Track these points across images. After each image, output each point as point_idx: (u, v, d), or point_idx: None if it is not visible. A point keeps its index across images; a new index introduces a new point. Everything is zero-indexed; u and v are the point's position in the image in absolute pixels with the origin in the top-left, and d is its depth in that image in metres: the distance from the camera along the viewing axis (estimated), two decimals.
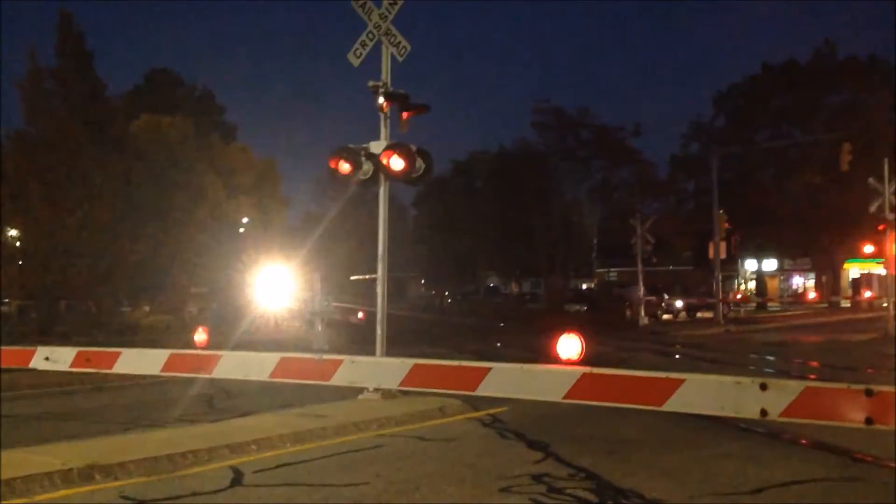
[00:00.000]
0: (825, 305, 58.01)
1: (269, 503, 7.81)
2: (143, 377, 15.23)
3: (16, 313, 40.75)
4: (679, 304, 49.44)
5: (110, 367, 10.88)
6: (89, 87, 37.47)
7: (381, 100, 13.85)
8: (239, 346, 21.92)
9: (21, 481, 8.01)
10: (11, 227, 38.28)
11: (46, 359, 10.91)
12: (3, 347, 11.95)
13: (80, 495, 7.99)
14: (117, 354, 10.81)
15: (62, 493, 8.03)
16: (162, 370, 10.47)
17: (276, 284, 34.28)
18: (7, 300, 43.53)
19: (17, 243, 38.46)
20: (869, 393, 5.77)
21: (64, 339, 27.58)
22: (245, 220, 45.94)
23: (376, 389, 12.97)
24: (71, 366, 10.94)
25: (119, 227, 36.90)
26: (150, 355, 11.20)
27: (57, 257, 35.77)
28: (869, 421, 5.79)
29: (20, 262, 37.83)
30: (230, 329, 28.84)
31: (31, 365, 11.11)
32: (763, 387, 6.22)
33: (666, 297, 49.92)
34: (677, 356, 25.45)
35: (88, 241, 35.82)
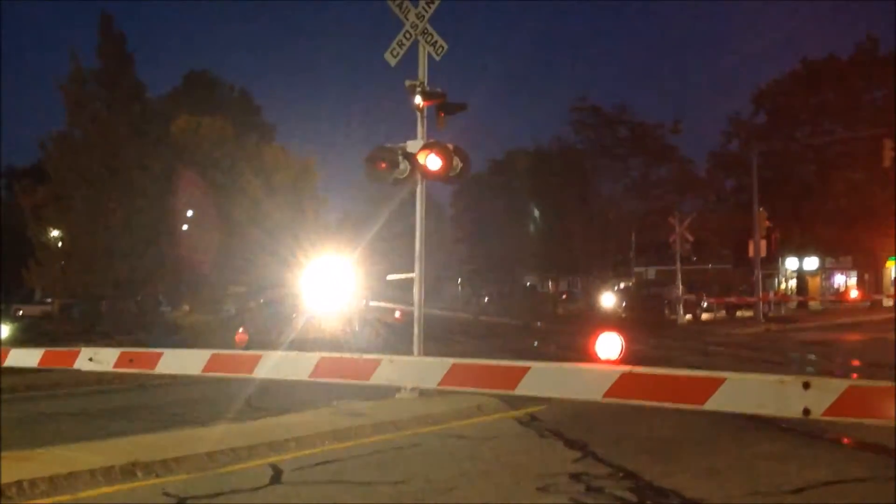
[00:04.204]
0: (867, 304, 57.17)
1: (308, 501, 7.83)
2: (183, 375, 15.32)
3: (58, 312, 41.29)
4: (704, 304, 48.04)
5: (153, 368, 10.96)
6: (130, 88, 37.95)
7: (417, 99, 13.80)
8: (283, 346, 22.13)
9: (64, 478, 8.14)
10: (53, 228, 38.81)
11: (90, 359, 11.02)
12: (48, 349, 12.11)
13: (122, 492, 8.08)
14: (160, 355, 10.89)
15: (105, 489, 8.13)
16: (203, 370, 10.52)
17: (315, 284, 34.60)
18: (49, 299, 44.21)
19: (59, 243, 38.98)
20: None
21: (105, 339, 27.85)
22: (283, 219, 46.24)
23: (413, 388, 12.95)
24: (114, 366, 11.04)
25: (159, 226, 37.31)
26: (191, 356, 11.26)
27: (98, 257, 36.24)
28: None
29: (62, 262, 38.38)
30: (281, 328, 29.08)
31: (76, 366, 11.22)
32: (806, 385, 6.13)
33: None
34: (717, 355, 25.21)
35: (129, 241, 36.25)
